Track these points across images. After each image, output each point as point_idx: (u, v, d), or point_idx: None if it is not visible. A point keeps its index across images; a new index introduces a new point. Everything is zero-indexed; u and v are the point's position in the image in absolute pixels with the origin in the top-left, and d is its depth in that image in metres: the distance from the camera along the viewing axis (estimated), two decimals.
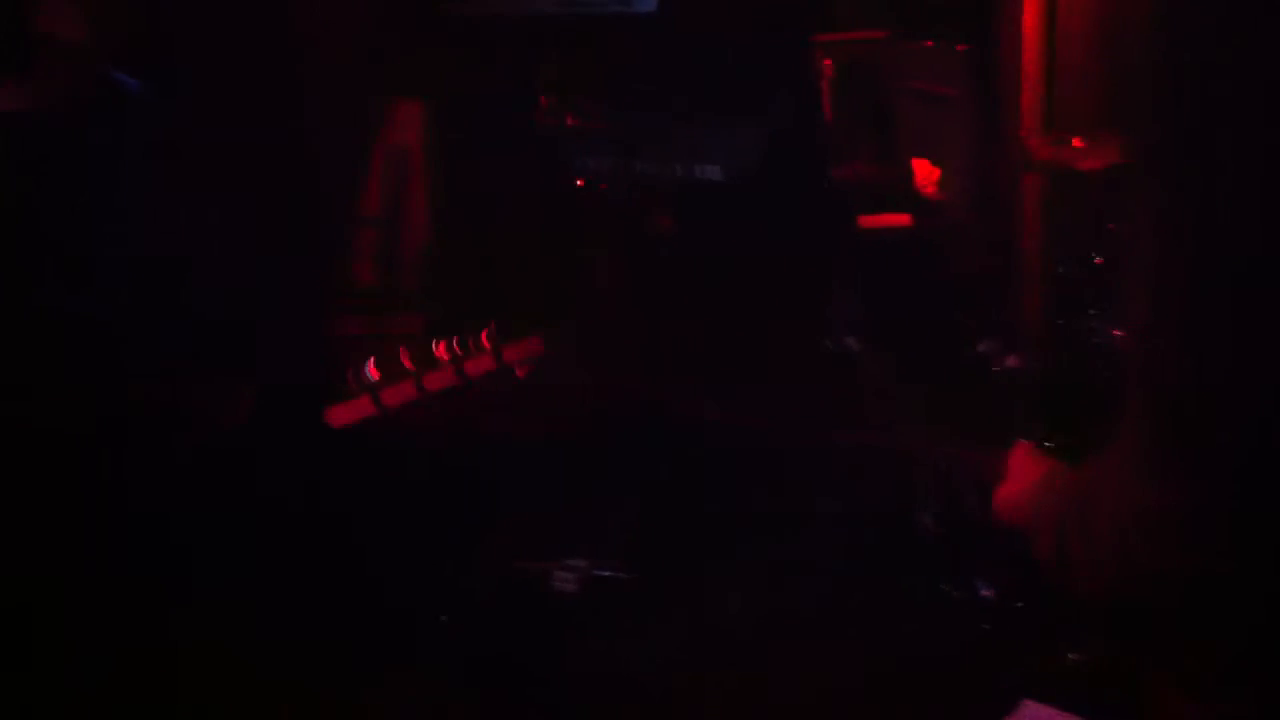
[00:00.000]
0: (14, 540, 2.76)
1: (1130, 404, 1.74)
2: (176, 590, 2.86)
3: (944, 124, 3.98)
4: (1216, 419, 1.75)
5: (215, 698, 2.70)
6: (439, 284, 3.88)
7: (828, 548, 3.14)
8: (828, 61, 4.11)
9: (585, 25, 4.09)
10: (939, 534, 2.93)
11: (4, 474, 2.78)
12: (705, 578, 3.16)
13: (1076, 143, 3.19)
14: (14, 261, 2.87)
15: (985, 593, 2.81)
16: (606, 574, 3.23)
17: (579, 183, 3.96)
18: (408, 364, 2.26)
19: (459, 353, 2.28)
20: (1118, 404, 2.08)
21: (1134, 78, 2.08)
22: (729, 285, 3.82)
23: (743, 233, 3.89)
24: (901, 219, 3.97)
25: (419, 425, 2.45)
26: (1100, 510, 1.79)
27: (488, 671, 2.87)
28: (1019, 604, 2.73)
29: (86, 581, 2.80)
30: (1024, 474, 2.08)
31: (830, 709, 2.67)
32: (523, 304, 3.81)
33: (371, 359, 2.37)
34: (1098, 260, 3.07)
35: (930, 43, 4.05)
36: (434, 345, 2.28)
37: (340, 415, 2.25)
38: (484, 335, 2.28)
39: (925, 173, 4.00)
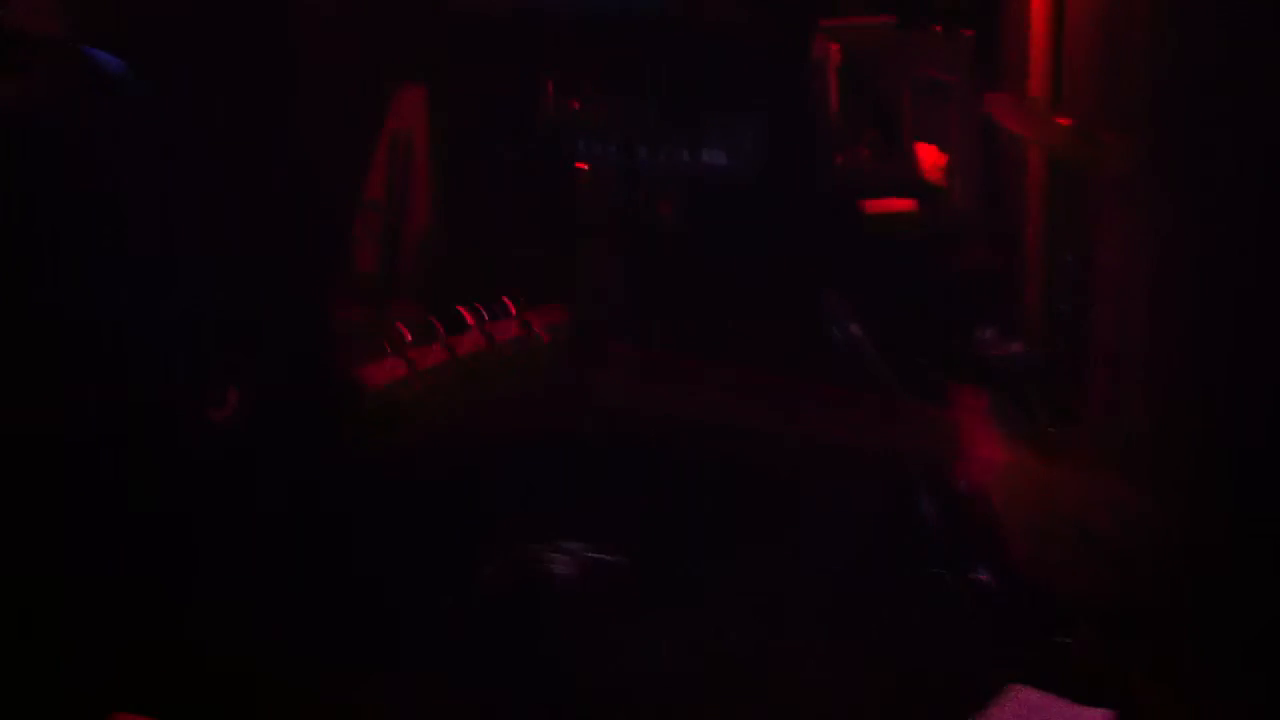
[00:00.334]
0: (14, 541, 2.77)
1: (1125, 403, 1.74)
2: (177, 590, 2.87)
3: (949, 111, 3.96)
4: (1217, 418, 1.75)
5: (216, 698, 2.70)
6: (440, 270, 3.88)
7: (822, 533, 3.13)
8: (834, 47, 4.09)
9: (592, 12, 4.10)
10: (934, 518, 2.92)
11: (5, 474, 2.79)
12: (700, 570, 3.16)
13: (1064, 122, 3.17)
14: (10, 261, 2.88)
15: (979, 577, 2.80)
16: (603, 558, 3.23)
17: (582, 166, 3.96)
18: (438, 326, 2.29)
19: (485, 317, 2.31)
20: (1111, 400, 2.07)
21: (1137, 79, 2.07)
22: (731, 273, 3.82)
23: (746, 218, 3.89)
24: (906, 204, 3.96)
25: (446, 387, 2.49)
26: (1089, 510, 1.80)
27: (487, 666, 2.87)
28: (1011, 588, 2.72)
29: (86, 581, 2.81)
30: (986, 467, 2.10)
31: (822, 691, 2.66)
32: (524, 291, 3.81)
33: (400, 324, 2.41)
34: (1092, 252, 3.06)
35: (937, 29, 4.03)
36: (462, 310, 2.31)
37: (375, 375, 2.28)
38: (509, 301, 2.31)
39: (931, 158, 3.98)
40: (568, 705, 2.77)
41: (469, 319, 2.49)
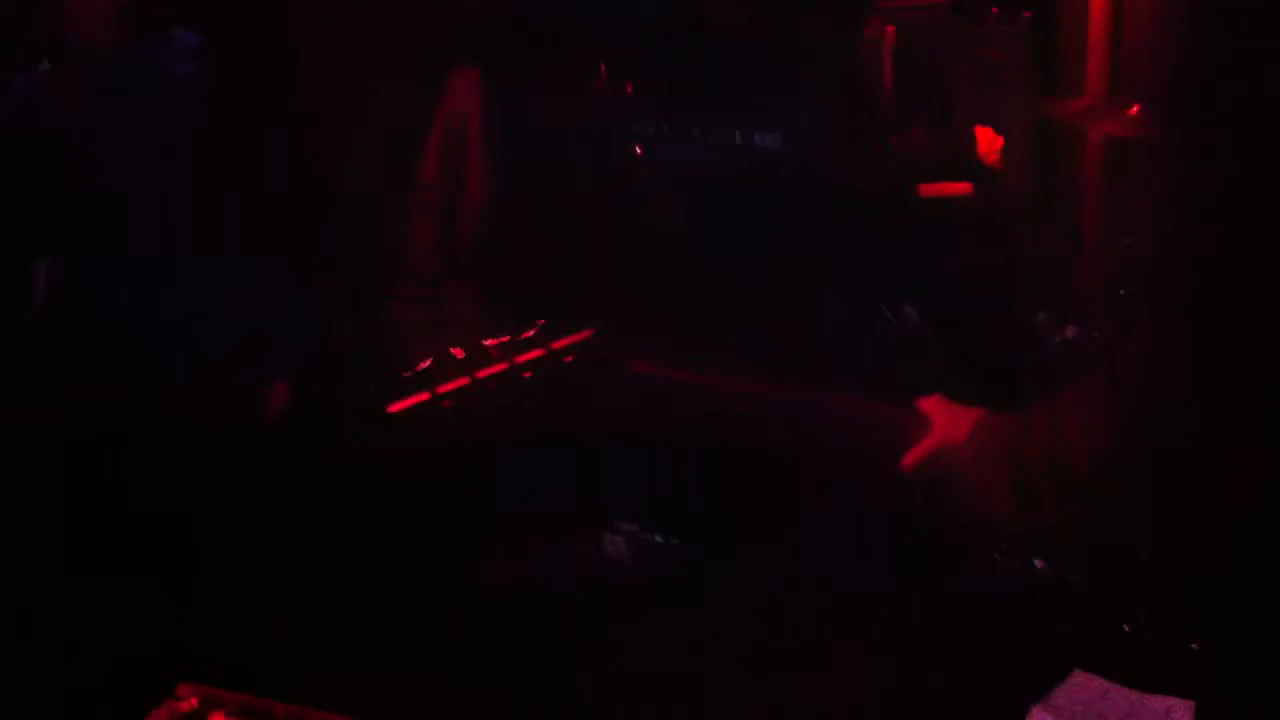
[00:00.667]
0: (16, 541, 2.79)
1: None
2: (179, 590, 2.88)
3: (1005, 93, 3.94)
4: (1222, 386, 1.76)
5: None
6: (496, 252, 3.89)
7: (884, 510, 3.12)
8: (889, 29, 4.07)
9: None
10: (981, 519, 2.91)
11: (10, 475, 2.82)
12: (747, 546, 3.16)
13: (1132, 112, 3.14)
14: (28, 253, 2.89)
15: (1038, 563, 2.78)
16: (658, 540, 3.23)
17: (638, 150, 3.96)
18: (459, 355, 2.30)
19: (509, 345, 2.31)
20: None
21: (1193, 65, 2.06)
22: (783, 257, 3.81)
23: (797, 205, 3.88)
24: (963, 188, 3.94)
25: (470, 412, 2.48)
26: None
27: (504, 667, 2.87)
28: (1073, 575, 2.71)
29: (87, 582, 2.83)
30: (949, 426, 2.12)
31: (881, 675, 2.66)
32: (574, 276, 3.81)
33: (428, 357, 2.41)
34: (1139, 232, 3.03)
35: (994, 10, 4.01)
36: (485, 339, 2.30)
37: (396, 405, 2.29)
38: (533, 330, 2.31)
39: (988, 141, 3.96)
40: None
41: (492, 348, 2.49)
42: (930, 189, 3.93)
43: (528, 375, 2.49)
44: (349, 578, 2.95)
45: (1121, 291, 3.28)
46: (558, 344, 2.25)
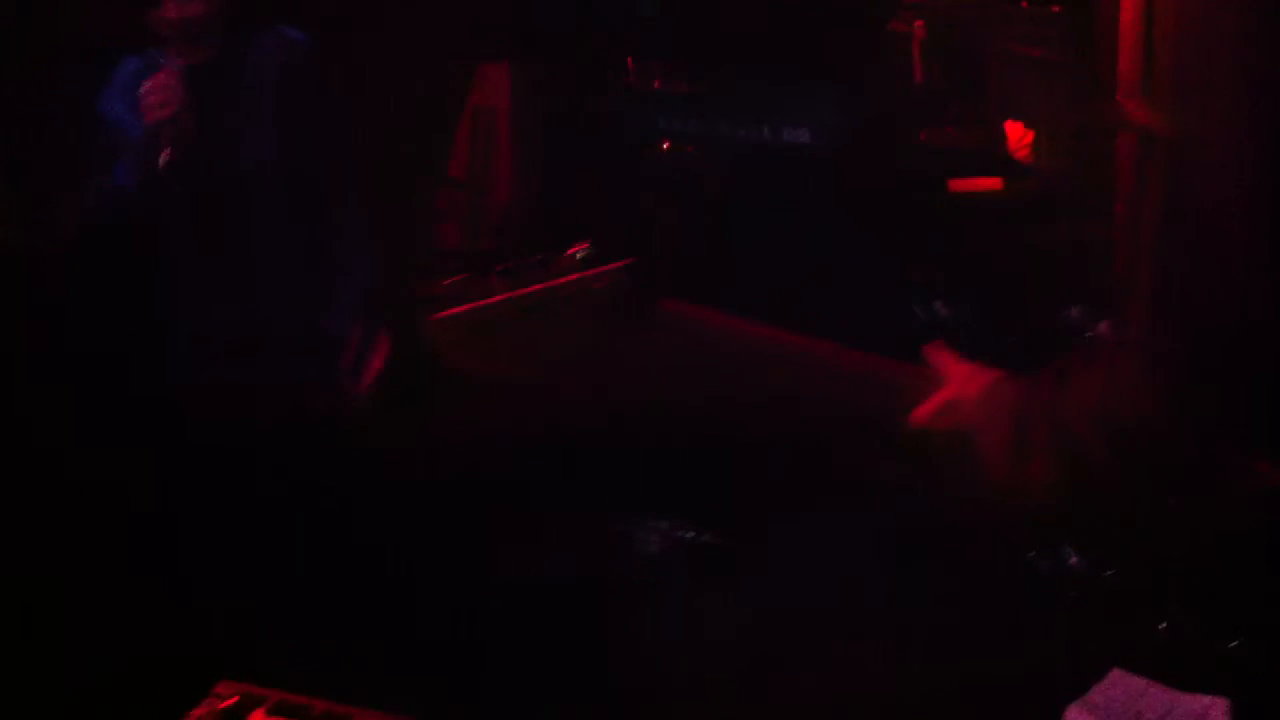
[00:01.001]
0: (18, 541, 2.80)
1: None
2: (182, 590, 2.88)
3: (1038, 86, 3.92)
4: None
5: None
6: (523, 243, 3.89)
7: (911, 513, 3.12)
8: (918, 23, 4.06)
9: None
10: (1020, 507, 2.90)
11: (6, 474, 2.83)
12: (766, 554, 3.16)
13: (1159, 108, 3.12)
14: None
15: (1073, 561, 2.77)
16: (689, 535, 3.24)
17: (665, 145, 3.95)
18: (498, 270, 2.34)
19: (549, 264, 2.36)
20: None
21: (1231, 58, 2.05)
22: (812, 249, 3.80)
23: (828, 194, 3.87)
24: (993, 183, 3.92)
25: (509, 321, 2.53)
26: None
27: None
28: (1108, 572, 2.70)
29: (88, 582, 2.84)
30: (964, 382, 2.13)
31: (914, 675, 2.65)
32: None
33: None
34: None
35: (1025, 4, 3.99)
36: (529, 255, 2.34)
37: (441, 314, 2.33)
38: (572, 250, 2.35)
39: (1018, 136, 3.94)
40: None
41: (534, 264, 2.52)
42: (959, 184, 3.92)
43: (565, 295, 2.53)
44: (375, 572, 2.96)
45: (1152, 290, 3.27)
46: (593, 270, 2.28)
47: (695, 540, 3.23)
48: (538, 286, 2.48)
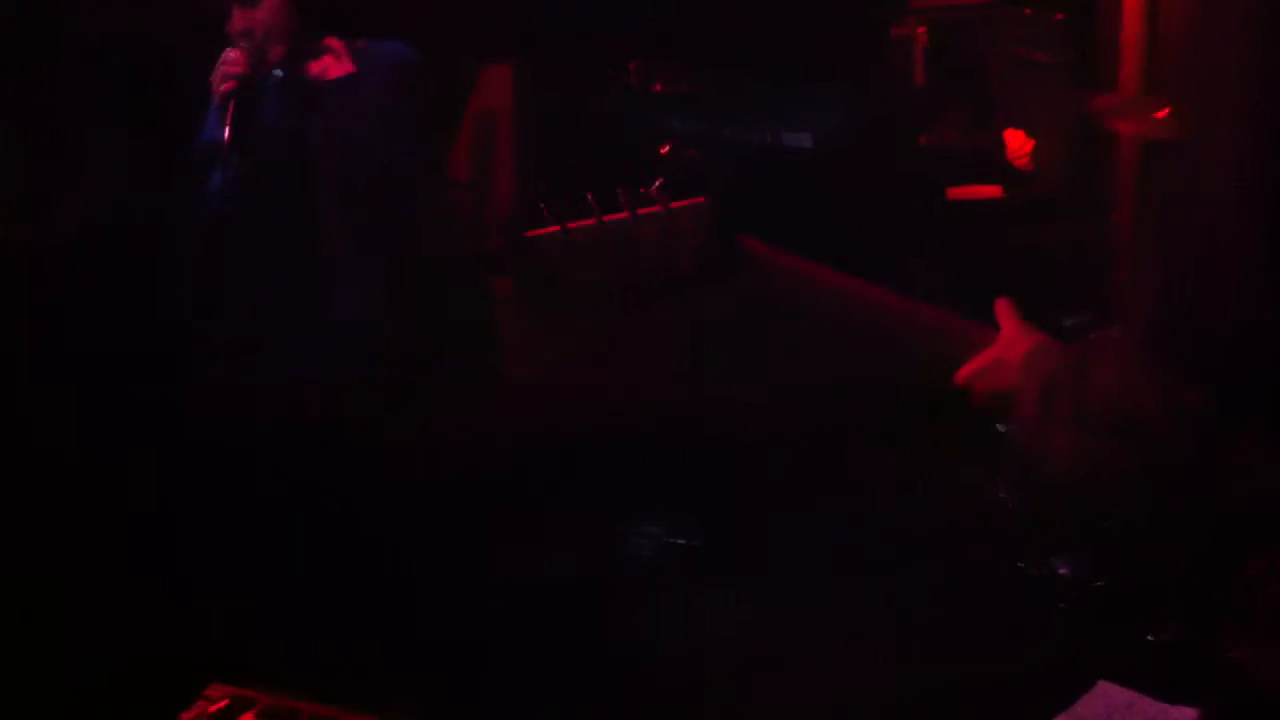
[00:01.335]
0: (20, 541, 2.82)
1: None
2: (183, 591, 2.89)
3: (1039, 92, 3.92)
4: None
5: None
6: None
7: (895, 521, 3.13)
8: (921, 28, 4.06)
9: None
10: (1014, 507, 2.90)
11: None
12: (767, 554, 3.17)
13: (1161, 114, 3.12)
14: None
15: (1062, 570, 2.78)
16: (680, 542, 3.25)
17: (664, 150, 3.95)
18: (590, 199, 2.39)
19: (630, 195, 2.40)
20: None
21: (1234, 62, 2.05)
22: (813, 253, 3.80)
23: (828, 199, 3.87)
24: (992, 191, 3.92)
25: (596, 249, 2.60)
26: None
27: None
28: (1097, 582, 2.70)
29: (90, 582, 2.85)
30: (1010, 344, 2.14)
31: (899, 685, 2.66)
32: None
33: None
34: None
35: (1028, 10, 3.99)
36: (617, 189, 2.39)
37: (532, 232, 2.38)
38: (655, 187, 2.40)
39: (1018, 144, 3.94)
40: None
41: (619, 194, 2.57)
42: (959, 192, 3.92)
43: (646, 227, 2.59)
44: (378, 572, 2.97)
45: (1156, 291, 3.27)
46: (675, 203, 2.32)
47: (697, 538, 3.25)
48: (623, 215, 2.55)
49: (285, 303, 2.97)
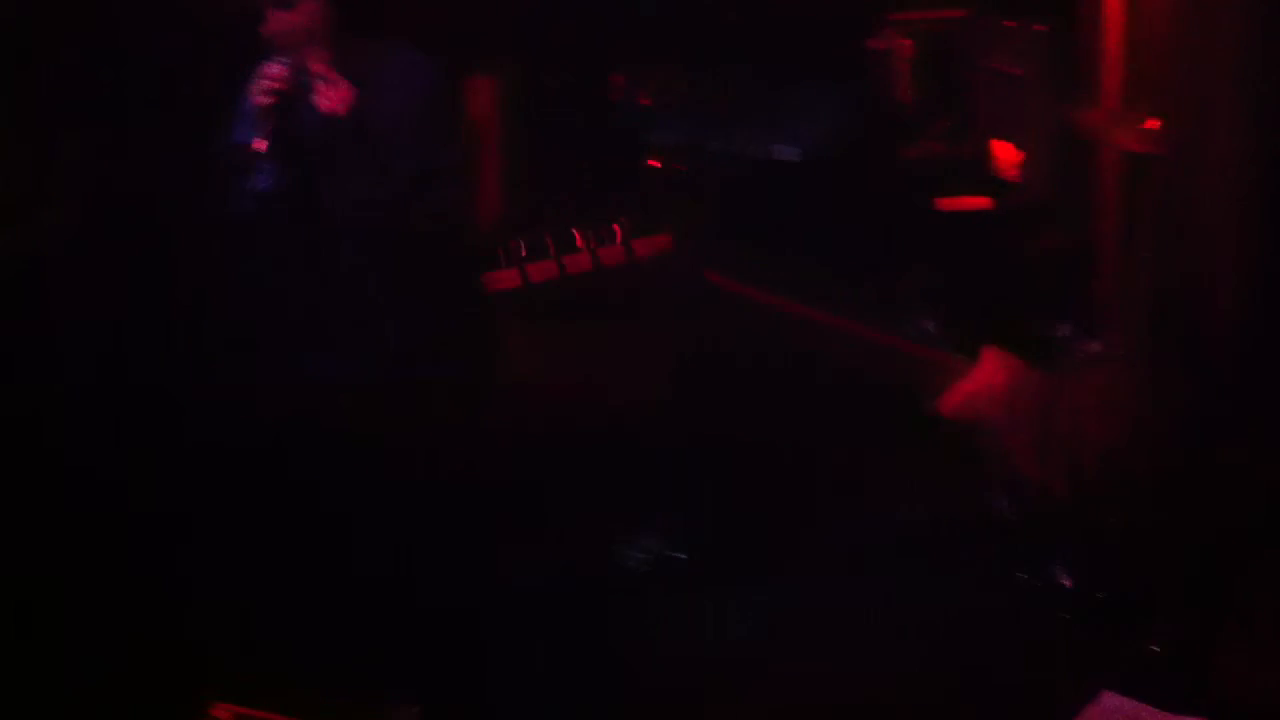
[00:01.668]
0: (23, 541, 2.80)
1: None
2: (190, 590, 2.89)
3: (1021, 104, 3.94)
4: None
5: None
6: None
7: (899, 532, 3.13)
8: (906, 41, 4.07)
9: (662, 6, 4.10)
10: (1016, 520, 2.92)
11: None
12: (770, 565, 3.18)
13: (1151, 124, 3.14)
14: None
15: (1063, 581, 2.79)
16: (677, 556, 3.25)
17: (655, 164, 3.96)
18: (550, 246, 2.38)
19: (594, 241, 2.39)
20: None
21: (1213, 74, 2.06)
22: (802, 265, 3.81)
23: (816, 211, 3.88)
24: (982, 202, 3.94)
25: (557, 300, 2.60)
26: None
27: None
28: (1099, 594, 2.71)
29: (92, 581, 2.84)
30: (988, 375, 2.16)
31: (901, 696, 2.66)
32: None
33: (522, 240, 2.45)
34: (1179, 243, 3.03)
35: (1009, 22, 4.01)
36: (574, 232, 2.38)
37: (492, 282, 2.36)
38: (616, 227, 2.40)
39: (1008, 155, 3.95)
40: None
41: (579, 240, 2.56)
42: (948, 203, 3.93)
43: (610, 267, 2.59)
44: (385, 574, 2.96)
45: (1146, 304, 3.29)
46: (638, 245, 2.32)
47: (699, 542, 3.25)
48: (587, 264, 2.54)
49: (305, 304, 2.96)
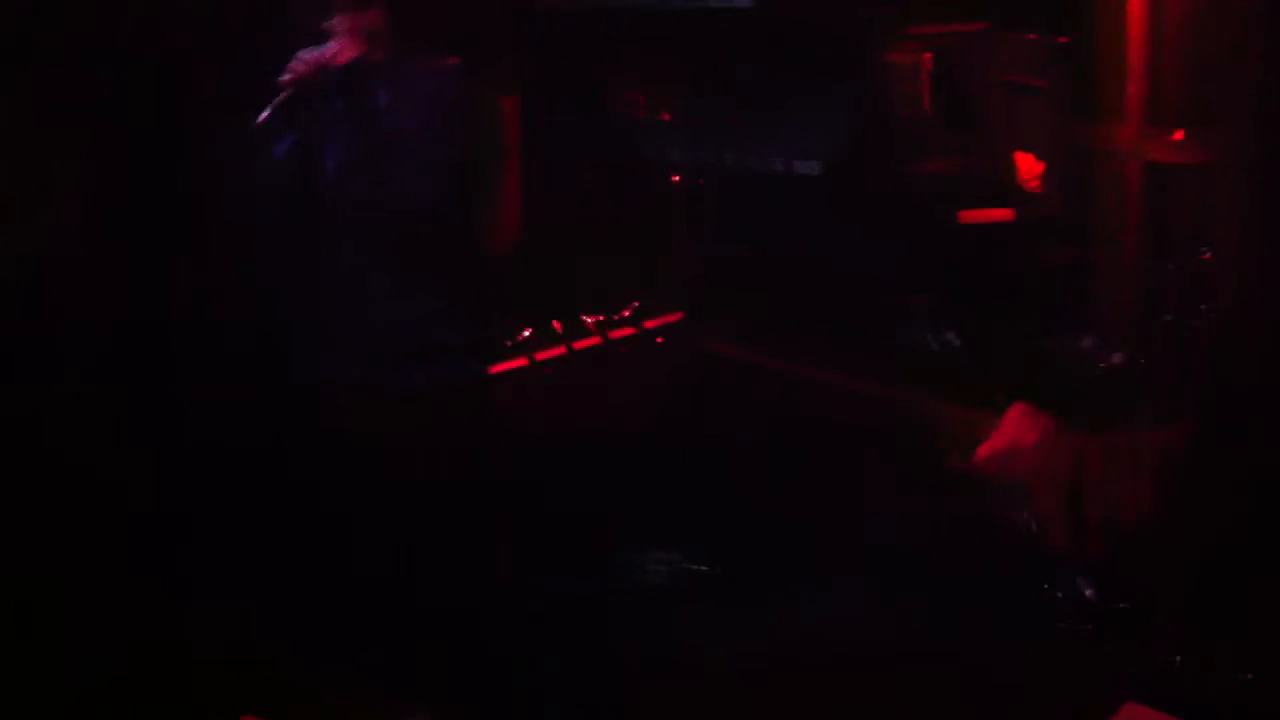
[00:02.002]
0: (24, 541, 2.81)
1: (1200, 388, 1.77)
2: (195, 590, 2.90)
3: (1040, 117, 3.93)
4: None
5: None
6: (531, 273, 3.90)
7: (926, 547, 3.12)
8: (926, 55, 4.07)
9: (675, 20, 4.10)
10: (1030, 531, 2.90)
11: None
12: (787, 578, 3.17)
13: (1177, 136, 3.13)
14: None
15: (1088, 593, 2.78)
16: (697, 568, 3.25)
17: (675, 179, 3.96)
18: (558, 328, 2.39)
19: (603, 321, 2.41)
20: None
21: (1236, 79, 2.06)
22: (817, 277, 3.82)
23: (830, 225, 3.89)
24: (1004, 214, 3.93)
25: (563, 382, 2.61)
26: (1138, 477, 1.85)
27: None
28: (1122, 605, 2.70)
29: (94, 581, 2.84)
30: (1017, 432, 2.14)
31: (915, 712, 2.66)
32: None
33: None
34: (1205, 255, 3.02)
35: (1029, 35, 4.01)
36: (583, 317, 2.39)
37: (498, 367, 2.37)
38: (627, 310, 2.42)
39: (1029, 167, 3.95)
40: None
41: (588, 323, 2.57)
42: (970, 215, 3.92)
43: (622, 350, 2.61)
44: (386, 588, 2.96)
45: (1168, 317, 3.29)
46: (649, 323, 2.33)
47: (708, 560, 3.25)
48: (595, 341, 2.56)
49: (306, 303, 2.96)
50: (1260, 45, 2.91)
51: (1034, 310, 3.68)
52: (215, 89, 3.17)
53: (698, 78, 4.23)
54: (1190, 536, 2.49)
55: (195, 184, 3.21)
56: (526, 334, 2.51)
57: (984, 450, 2.39)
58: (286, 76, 2.82)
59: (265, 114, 2.84)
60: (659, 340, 2.47)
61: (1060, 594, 2.79)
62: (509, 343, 2.45)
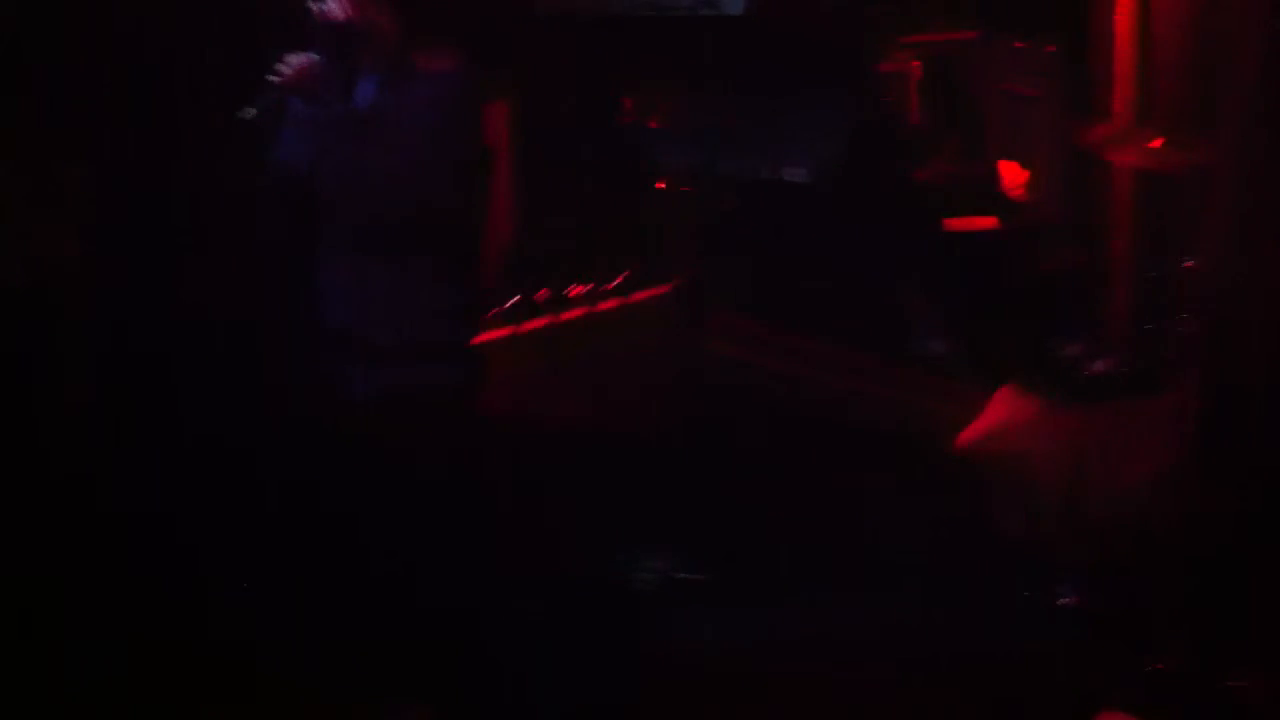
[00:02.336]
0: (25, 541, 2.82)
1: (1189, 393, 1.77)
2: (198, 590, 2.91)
3: (1032, 124, 3.93)
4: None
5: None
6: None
7: (904, 550, 3.12)
8: (915, 63, 4.08)
9: (670, 27, 4.11)
10: (1019, 537, 2.90)
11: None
12: (776, 580, 3.17)
13: (1155, 144, 3.12)
14: None
15: (1066, 599, 2.77)
16: (685, 576, 3.25)
17: (660, 185, 3.96)
18: (546, 294, 2.37)
19: (592, 289, 2.39)
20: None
21: (1231, 85, 2.05)
22: (810, 285, 3.82)
23: (824, 231, 3.89)
24: (989, 222, 3.93)
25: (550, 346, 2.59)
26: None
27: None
28: (1100, 611, 2.69)
29: (94, 581, 2.85)
30: (1007, 411, 2.14)
31: (927, 710, 2.65)
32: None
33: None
34: (1187, 264, 3.01)
35: (1020, 44, 4.01)
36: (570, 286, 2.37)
37: (488, 334, 2.36)
38: (617, 280, 2.40)
39: (1013, 175, 3.95)
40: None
41: (575, 290, 2.55)
42: (956, 223, 3.93)
43: (608, 320, 2.58)
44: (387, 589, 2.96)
45: (1153, 322, 3.28)
46: (638, 295, 2.31)
47: (701, 558, 3.25)
48: (581, 311, 2.53)
49: (308, 303, 2.97)
50: (1256, 48, 2.90)
51: (1022, 316, 3.68)
52: (215, 89, 3.18)
53: (692, 84, 4.24)
54: (1190, 537, 2.48)
55: (194, 184, 3.22)
56: (515, 300, 2.48)
57: (974, 430, 2.38)
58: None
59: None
60: (649, 308, 2.44)
61: (1055, 597, 2.78)
62: (494, 311, 2.43)
